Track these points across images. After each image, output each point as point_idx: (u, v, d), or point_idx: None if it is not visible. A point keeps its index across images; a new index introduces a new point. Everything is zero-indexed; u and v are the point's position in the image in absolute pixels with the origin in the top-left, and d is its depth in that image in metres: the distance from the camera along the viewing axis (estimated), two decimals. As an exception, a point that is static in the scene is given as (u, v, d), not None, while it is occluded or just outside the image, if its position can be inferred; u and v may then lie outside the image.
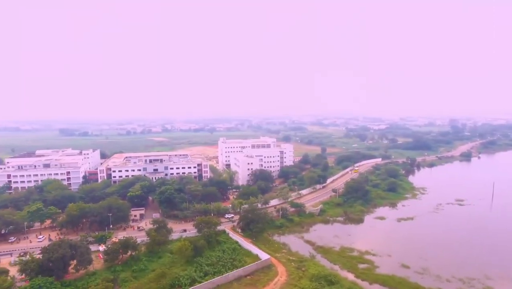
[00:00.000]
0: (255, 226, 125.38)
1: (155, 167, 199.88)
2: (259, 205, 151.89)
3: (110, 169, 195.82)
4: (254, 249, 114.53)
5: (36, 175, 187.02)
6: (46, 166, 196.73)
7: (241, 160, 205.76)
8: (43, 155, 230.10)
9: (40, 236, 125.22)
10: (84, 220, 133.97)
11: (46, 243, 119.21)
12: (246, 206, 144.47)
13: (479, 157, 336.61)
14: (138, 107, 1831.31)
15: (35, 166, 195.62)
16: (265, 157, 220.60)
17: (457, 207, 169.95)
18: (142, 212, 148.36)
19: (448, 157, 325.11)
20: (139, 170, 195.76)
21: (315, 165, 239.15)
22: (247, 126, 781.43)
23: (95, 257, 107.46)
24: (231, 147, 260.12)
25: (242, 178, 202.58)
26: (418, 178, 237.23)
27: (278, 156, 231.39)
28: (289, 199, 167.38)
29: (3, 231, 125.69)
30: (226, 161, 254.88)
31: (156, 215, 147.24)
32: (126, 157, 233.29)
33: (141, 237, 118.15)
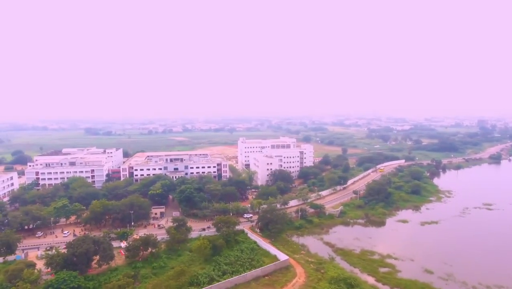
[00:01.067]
0: (273, 226, 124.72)
1: (176, 166, 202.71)
2: (278, 206, 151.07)
3: (132, 167, 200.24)
4: (273, 250, 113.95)
5: (63, 172, 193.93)
6: (72, 164, 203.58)
7: (260, 160, 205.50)
8: (69, 153, 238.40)
9: (66, 232, 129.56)
10: (107, 217, 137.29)
11: (71, 238, 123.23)
12: (265, 206, 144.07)
13: (509, 160, 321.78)
14: (159, 107, 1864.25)
15: (61, 164, 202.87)
16: (284, 157, 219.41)
17: (485, 211, 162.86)
18: (163, 210, 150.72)
19: (476, 159, 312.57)
20: (160, 169, 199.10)
21: (336, 166, 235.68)
22: (267, 126, 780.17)
23: (117, 253, 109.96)
24: (250, 147, 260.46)
25: (261, 178, 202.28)
26: (443, 181, 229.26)
27: (298, 156, 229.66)
28: (309, 200, 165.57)
29: (31, 226, 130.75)
30: (245, 161, 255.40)
31: (176, 214, 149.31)
32: (148, 156, 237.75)
33: (161, 235, 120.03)
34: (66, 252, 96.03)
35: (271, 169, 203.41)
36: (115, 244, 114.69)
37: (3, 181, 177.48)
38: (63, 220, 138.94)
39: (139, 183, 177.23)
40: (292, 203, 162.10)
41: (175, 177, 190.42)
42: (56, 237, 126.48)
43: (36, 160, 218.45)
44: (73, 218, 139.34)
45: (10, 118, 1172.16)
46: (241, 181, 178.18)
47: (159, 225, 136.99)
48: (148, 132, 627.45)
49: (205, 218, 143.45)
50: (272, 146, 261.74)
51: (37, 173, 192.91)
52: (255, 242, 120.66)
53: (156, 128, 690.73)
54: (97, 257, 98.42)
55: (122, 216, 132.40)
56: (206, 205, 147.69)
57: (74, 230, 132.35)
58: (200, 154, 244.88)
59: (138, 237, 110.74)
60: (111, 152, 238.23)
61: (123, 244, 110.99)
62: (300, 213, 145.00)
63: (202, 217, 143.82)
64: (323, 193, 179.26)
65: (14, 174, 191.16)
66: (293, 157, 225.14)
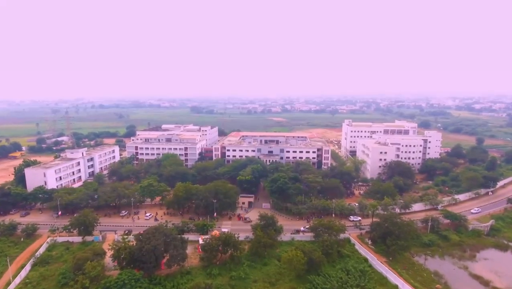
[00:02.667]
0: (393, 241, 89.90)
1: (270, 149, 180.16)
2: (397, 210, 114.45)
3: (224, 147, 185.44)
4: (392, 276, 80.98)
5: (159, 148, 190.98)
6: (168, 140, 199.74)
7: (371, 148, 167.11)
8: (167, 130, 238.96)
9: (148, 214, 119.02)
10: (190, 203, 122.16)
11: (152, 222, 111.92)
12: (380, 209, 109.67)
13: None
14: (261, 87, 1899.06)
15: (158, 139, 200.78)
16: (403, 146, 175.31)
17: None
18: (251, 200, 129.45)
19: None
20: (253, 150, 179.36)
21: (473, 161, 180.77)
22: (374, 108, 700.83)
23: (194, 249, 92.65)
24: (357, 131, 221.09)
25: (371, 170, 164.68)
26: None
27: (421, 145, 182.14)
28: (440, 206, 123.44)
29: (117, 202, 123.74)
30: (350, 147, 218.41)
31: (267, 206, 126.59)
32: (242, 136, 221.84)
33: (246, 232, 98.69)
34: (135, 244, 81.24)
35: (384, 159, 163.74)
36: (193, 237, 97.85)
37: (105, 154, 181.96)
38: (149, 200, 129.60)
39: (229, 166, 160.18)
40: (416, 207, 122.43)
41: (269, 161, 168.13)
42: (138, 218, 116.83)
43: (138, 134, 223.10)
44: (158, 198, 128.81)
45: (133, 96, 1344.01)
46: (347, 173, 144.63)
47: (245, 219, 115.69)
48: (247, 112, 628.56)
49: (300, 215, 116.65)
50: (385, 131, 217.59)
51: (136, 148, 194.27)
52: (365, 260, 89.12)
53: (255, 108, 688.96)
54: (167, 255, 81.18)
55: (206, 203, 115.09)
56: (302, 199, 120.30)
57: (156, 212, 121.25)
58: (298, 137, 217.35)
59: (218, 234, 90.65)
60: (206, 130, 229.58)
61: (201, 240, 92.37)
62: (429, 223, 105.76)
63: (296, 213, 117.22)
64: (460, 197, 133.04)
65: (116, 148, 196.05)
66: (414, 146, 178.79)
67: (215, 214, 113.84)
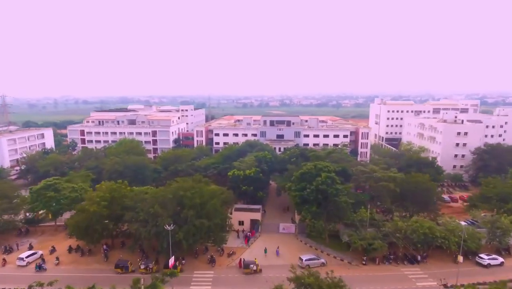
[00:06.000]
0: None
1: (280, 132, 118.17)
2: None
3: (211, 131, 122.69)
4: None
5: (115, 133, 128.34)
6: (132, 122, 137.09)
7: (443, 129, 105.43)
8: (134, 110, 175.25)
9: (30, 253, 54.24)
10: (127, 225, 58.52)
11: (30, 272, 48.72)
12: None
13: None
14: (257, 85, 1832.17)
15: (118, 121, 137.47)
16: (488, 127, 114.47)
17: None
18: (258, 216, 66.13)
19: None
20: (254, 135, 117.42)
21: None
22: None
23: None
24: (397, 111, 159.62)
25: (442, 161, 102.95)
26: None
27: (501, 126, 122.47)
28: None
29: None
30: (386, 133, 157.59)
31: (289, 229, 63.87)
32: (238, 120, 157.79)
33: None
34: None
35: (464, 144, 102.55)
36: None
37: (26, 139, 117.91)
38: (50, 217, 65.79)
39: (217, 155, 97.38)
40: None
41: (279, 149, 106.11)
42: (4, 263, 52.54)
43: (92, 115, 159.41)
44: (67, 215, 65.11)
45: (123, 94, 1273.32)
46: (429, 163, 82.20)
47: (247, 266, 51.32)
48: (242, 106, 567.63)
49: (367, 253, 53.60)
50: (435, 110, 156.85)
51: (82, 132, 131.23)
52: None
53: (251, 102, 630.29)
54: None
55: (156, 230, 50.89)
56: (367, 217, 56.93)
57: (53, 247, 57.27)
58: (320, 121, 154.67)
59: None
60: (187, 110, 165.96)
61: None
62: None
63: (354, 247, 54.00)
64: None
65: (48, 131, 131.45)
66: (498, 126, 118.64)
67: (171, 260, 47.97)
